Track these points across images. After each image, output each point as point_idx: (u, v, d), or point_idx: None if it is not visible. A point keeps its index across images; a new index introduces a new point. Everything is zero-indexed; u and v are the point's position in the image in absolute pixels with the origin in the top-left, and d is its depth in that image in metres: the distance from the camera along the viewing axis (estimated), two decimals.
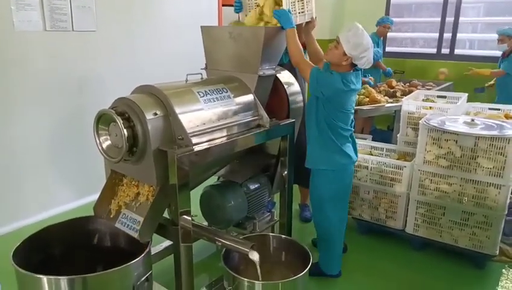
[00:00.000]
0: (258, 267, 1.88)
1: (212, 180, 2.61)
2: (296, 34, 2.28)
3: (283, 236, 2.24)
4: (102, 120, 1.86)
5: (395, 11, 6.12)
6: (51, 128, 3.25)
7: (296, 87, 2.60)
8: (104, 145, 1.89)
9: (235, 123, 2.13)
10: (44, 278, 1.57)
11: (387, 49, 6.08)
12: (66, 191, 3.42)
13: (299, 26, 2.43)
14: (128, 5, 3.62)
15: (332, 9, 6.08)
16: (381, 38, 5.47)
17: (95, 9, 3.32)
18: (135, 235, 1.85)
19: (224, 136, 2.06)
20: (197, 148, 1.86)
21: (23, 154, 3.12)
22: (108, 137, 1.89)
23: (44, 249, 1.90)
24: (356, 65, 2.25)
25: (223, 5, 4.57)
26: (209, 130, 1.98)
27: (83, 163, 3.41)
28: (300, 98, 2.61)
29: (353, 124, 2.45)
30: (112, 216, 1.98)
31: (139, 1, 3.70)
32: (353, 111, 2.40)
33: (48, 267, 1.73)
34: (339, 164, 2.38)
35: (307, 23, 2.51)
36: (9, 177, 3.07)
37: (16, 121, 3.04)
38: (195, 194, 2.44)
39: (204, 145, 1.90)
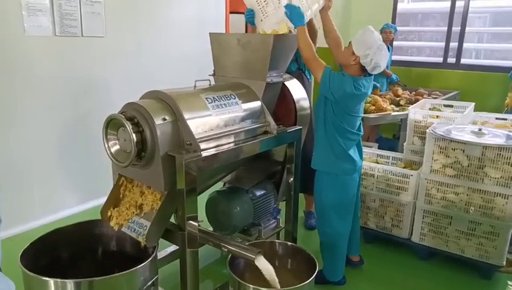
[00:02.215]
0: (268, 274, 1.86)
1: (218, 186, 2.61)
2: (307, 31, 2.26)
3: (289, 243, 2.24)
4: (112, 125, 1.88)
5: (401, 19, 6.14)
6: (59, 132, 3.27)
7: (303, 94, 2.61)
8: (113, 150, 1.91)
9: (243, 129, 2.14)
10: (51, 281, 1.58)
11: (394, 57, 6.10)
12: (73, 195, 3.43)
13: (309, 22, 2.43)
14: (136, 11, 3.65)
15: (339, 19, 6.11)
16: (388, 45, 5.49)
17: (104, 15, 3.36)
18: (142, 240, 1.85)
19: (231, 142, 2.06)
20: (204, 153, 1.86)
21: (31, 157, 3.14)
22: (117, 142, 1.90)
23: (52, 251, 1.92)
24: (366, 70, 2.22)
25: (230, 12, 4.61)
26: (217, 136, 1.99)
27: (90, 166, 3.43)
28: (307, 105, 2.62)
29: (361, 128, 2.43)
30: None
31: (147, 7, 3.74)
32: (361, 115, 2.39)
33: (54, 270, 1.75)
34: (343, 169, 2.37)
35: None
36: (17, 179, 3.09)
37: (24, 124, 3.06)
38: (202, 199, 2.45)
39: (212, 151, 1.91)
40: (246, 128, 2.16)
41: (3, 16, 2.83)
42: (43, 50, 3.06)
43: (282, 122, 2.47)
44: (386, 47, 2.22)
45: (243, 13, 5.11)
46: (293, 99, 2.51)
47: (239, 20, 4.80)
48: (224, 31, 4.54)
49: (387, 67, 5.36)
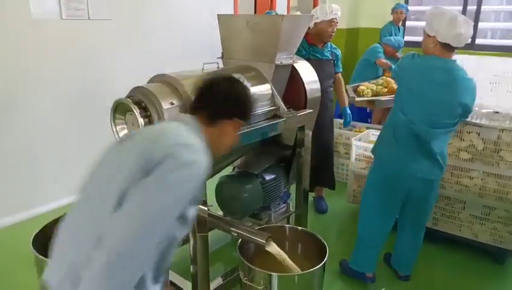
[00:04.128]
0: (282, 259, 1.85)
1: (228, 170, 2.59)
2: None
3: (299, 228, 2.22)
4: (119, 109, 1.85)
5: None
6: (67, 116, 3.26)
7: (313, 76, 2.55)
8: (121, 135, 1.89)
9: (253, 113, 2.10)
10: None
11: (406, 38, 5.94)
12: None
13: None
14: None
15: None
16: (399, 26, 5.33)
17: None
18: None
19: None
20: None
21: (41, 141, 3.15)
22: (125, 126, 1.89)
23: None
24: (452, 48, 2.05)
25: None
26: None
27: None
28: (317, 87, 2.56)
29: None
30: None
31: None
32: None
33: None
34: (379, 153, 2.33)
35: None
36: (27, 163, 3.11)
37: (32, 108, 3.06)
38: (212, 184, 2.44)
39: None
40: (255, 112, 2.12)
41: (9, 0, 2.80)
42: (49, 34, 3.03)
43: (292, 106, 2.43)
44: (461, 16, 2.06)
45: None
46: (303, 82, 2.45)
47: (247, 2, 4.71)
48: (233, 12, 4.45)
49: (398, 49, 5.22)
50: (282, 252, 1.84)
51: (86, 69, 3.30)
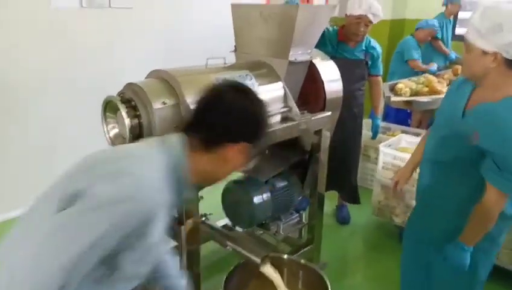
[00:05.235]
0: (276, 281, 1.63)
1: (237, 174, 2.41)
2: None
3: (302, 261, 1.79)
4: (109, 107, 1.71)
5: None
6: (82, 108, 3.20)
7: (335, 75, 2.28)
8: (111, 134, 1.75)
9: None
10: None
11: (458, 31, 5.39)
12: None
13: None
14: None
15: None
16: (451, 19, 4.84)
17: None
18: None
19: None
20: None
21: (57, 134, 3.12)
22: (116, 125, 1.74)
23: None
24: None
25: None
26: None
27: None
28: (339, 88, 2.30)
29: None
30: None
31: None
32: None
33: None
34: None
35: None
36: (39, 157, 3.06)
37: (50, 98, 3.03)
38: (216, 190, 2.26)
39: None
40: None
41: None
42: (68, 22, 2.97)
43: (310, 107, 2.19)
44: None
45: None
46: (322, 80, 2.20)
47: None
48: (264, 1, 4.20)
49: (446, 43, 4.75)
50: (278, 277, 1.63)
51: (104, 58, 3.22)
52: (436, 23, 4.25)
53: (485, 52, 1.35)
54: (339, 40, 2.72)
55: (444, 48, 4.63)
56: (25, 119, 2.96)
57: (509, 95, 1.39)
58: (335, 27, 2.81)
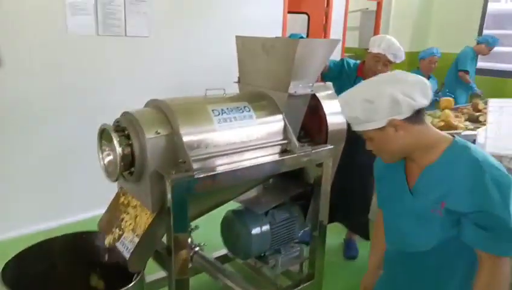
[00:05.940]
0: None
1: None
2: None
3: None
4: (105, 135, 1.74)
5: (493, 21, 5.31)
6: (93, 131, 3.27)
7: (338, 107, 2.24)
8: (106, 161, 1.77)
9: (255, 148, 1.87)
10: None
11: (481, 65, 5.27)
12: (74, 202, 3.27)
13: None
14: (184, 11, 3.55)
15: (416, 19, 5.47)
16: (476, 56, 4.81)
17: (149, 15, 3.30)
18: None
19: (238, 162, 1.81)
20: (199, 174, 1.64)
21: (68, 156, 3.19)
22: (111, 153, 1.76)
23: (43, 261, 1.84)
24: None
25: (288, 12, 4.32)
26: (220, 154, 1.75)
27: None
28: (343, 120, 2.25)
29: None
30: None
31: (196, 7, 3.60)
32: None
33: (49, 278, 1.75)
34: None
35: None
36: (31, 181, 3.09)
37: (68, 120, 3.11)
38: (214, 219, 2.24)
39: (208, 172, 1.67)
40: (259, 147, 1.89)
41: (47, 15, 2.88)
42: (84, 49, 3.08)
43: (313, 139, 2.16)
44: None
45: (302, 13, 4.82)
46: (324, 113, 2.17)
47: (296, 22, 4.50)
48: (280, 34, 4.26)
49: (471, 76, 4.68)
50: None
51: (120, 84, 3.31)
52: (435, 50, 4.28)
53: (381, 129, 1.27)
54: (357, 76, 2.69)
55: (467, 77, 4.60)
56: (43, 139, 3.05)
57: (442, 149, 1.27)
58: (357, 62, 2.79)
